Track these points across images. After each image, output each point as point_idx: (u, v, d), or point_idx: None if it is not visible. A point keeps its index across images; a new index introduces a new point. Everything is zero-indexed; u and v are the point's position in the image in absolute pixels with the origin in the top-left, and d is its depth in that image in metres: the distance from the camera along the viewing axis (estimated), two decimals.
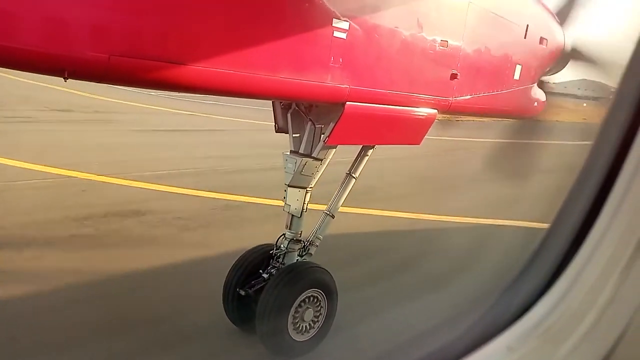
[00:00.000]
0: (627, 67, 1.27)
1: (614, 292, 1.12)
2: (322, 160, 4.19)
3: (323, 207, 4.55)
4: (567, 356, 1.10)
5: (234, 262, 4.49)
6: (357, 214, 8.06)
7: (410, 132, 4.35)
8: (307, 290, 4.11)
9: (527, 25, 4.86)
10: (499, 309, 1.27)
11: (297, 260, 4.42)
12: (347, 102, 3.73)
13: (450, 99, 4.38)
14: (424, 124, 4.32)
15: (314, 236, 4.48)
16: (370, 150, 4.51)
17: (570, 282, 1.18)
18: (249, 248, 4.58)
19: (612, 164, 1.22)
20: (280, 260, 4.39)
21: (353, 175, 4.53)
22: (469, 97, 4.53)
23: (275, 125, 4.46)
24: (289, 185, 4.28)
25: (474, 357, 1.13)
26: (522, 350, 1.13)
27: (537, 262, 1.29)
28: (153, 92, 20.32)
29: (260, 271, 4.43)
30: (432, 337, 1.21)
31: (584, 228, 1.20)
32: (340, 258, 5.71)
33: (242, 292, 4.32)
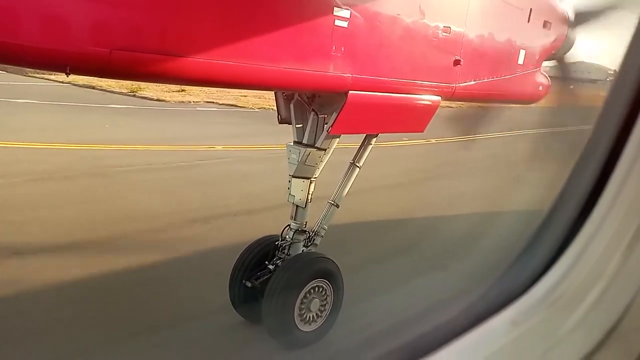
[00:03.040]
0: (627, 49, 1.26)
1: (620, 265, 1.11)
2: (325, 150, 4.19)
3: None
4: (573, 329, 1.10)
5: (239, 253, 4.52)
6: None
7: (413, 119, 4.34)
8: (313, 280, 4.12)
9: (531, 9, 4.81)
10: (504, 284, 1.26)
11: (303, 250, 4.43)
12: (350, 91, 3.72)
13: (454, 85, 4.36)
14: (427, 111, 4.30)
15: (318, 226, 4.49)
16: (374, 139, 4.50)
17: (577, 255, 1.17)
18: (255, 239, 4.60)
19: (616, 139, 1.21)
20: (286, 251, 4.40)
21: (357, 164, 4.52)
22: (472, 83, 4.50)
23: (278, 116, 4.46)
24: (292, 176, 4.29)
25: (478, 332, 1.12)
26: (527, 324, 1.13)
27: (543, 236, 1.28)
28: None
29: (266, 262, 4.44)
30: (437, 312, 1.22)
31: (590, 201, 1.19)
32: None
33: (249, 284, 4.34)
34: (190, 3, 2.87)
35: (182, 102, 20.43)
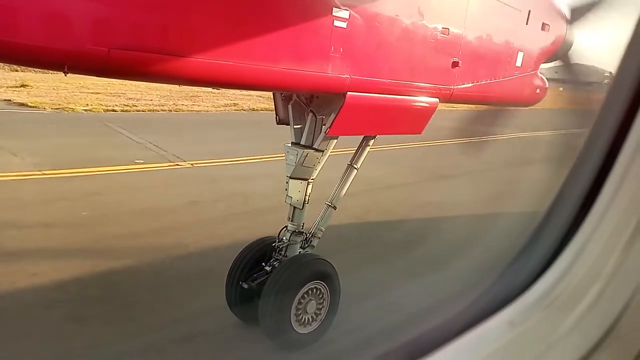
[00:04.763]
0: (626, 48, 1.25)
1: (617, 265, 1.11)
2: (323, 151, 4.19)
3: None
4: (571, 330, 1.09)
5: (236, 255, 4.50)
6: None
7: (411, 121, 4.34)
8: (309, 282, 4.11)
9: (529, 11, 4.83)
10: (501, 284, 1.26)
11: (300, 252, 4.42)
12: (348, 92, 3.71)
13: (452, 87, 4.36)
14: (425, 113, 4.30)
15: (315, 228, 4.48)
16: (372, 141, 4.50)
17: (574, 256, 1.17)
18: (252, 241, 4.59)
19: (614, 139, 1.21)
20: (283, 252, 4.39)
21: (355, 166, 4.52)
22: (470, 85, 4.51)
23: (276, 117, 4.45)
24: (290, 177, 4.28)
25: (475, 333, 1.12)
26: (525, 325, 1.12)
27: (541, 237, 1.28)
28: None
29: (263, 264, 4.43)
30: (434, 313, 1.21)
31: (587, 202, 1.19)
32: None
33: (245, 286, 4.33)
34: (190, 3, 2.87)
35: None
